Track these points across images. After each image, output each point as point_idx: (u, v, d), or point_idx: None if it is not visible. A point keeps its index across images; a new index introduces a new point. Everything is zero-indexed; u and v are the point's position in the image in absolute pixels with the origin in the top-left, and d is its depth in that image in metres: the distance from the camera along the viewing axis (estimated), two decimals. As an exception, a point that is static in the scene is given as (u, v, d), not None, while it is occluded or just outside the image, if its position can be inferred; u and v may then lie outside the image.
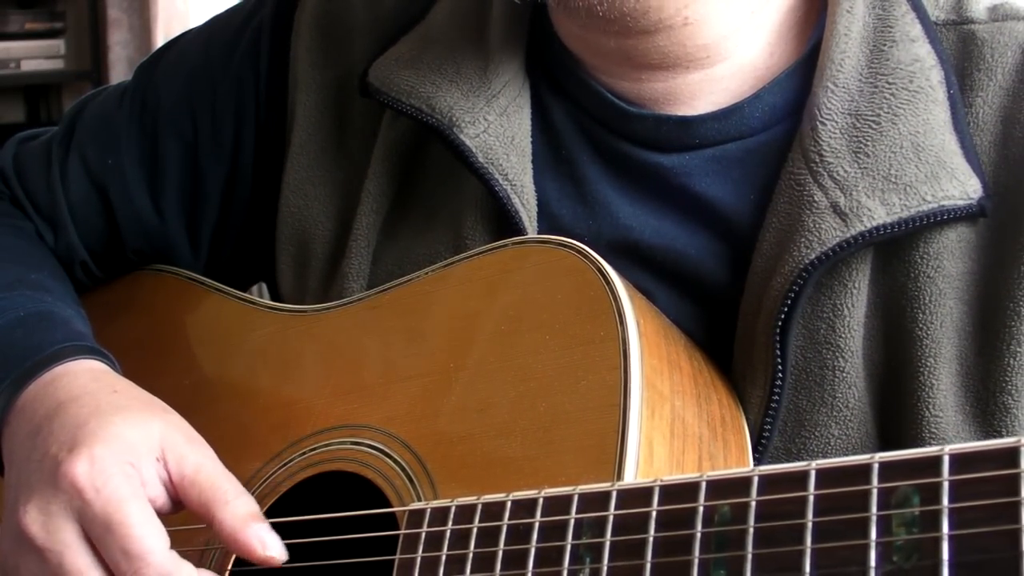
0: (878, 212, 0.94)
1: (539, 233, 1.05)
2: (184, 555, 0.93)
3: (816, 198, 0.95)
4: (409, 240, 1.12)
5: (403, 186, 1.14)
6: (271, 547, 0.93)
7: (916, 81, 0.97)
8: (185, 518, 0.97)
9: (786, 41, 1.03)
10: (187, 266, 1.27)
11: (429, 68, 1.09)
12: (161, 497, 0.96)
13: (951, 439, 0.95)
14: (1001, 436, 0.95)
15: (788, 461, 0.96)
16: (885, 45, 0.99)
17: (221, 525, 0.94)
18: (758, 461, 0.97)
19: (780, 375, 0.96)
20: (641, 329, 0.90)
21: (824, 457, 0.97)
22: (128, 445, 0.96)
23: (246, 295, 1.20)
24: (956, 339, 0.96)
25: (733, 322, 1.00)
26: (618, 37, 1.00)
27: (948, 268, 0.96)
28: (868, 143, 0.96)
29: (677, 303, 1.03)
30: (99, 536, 0.92)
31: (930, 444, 0.95)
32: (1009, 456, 0.66)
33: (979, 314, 0.96)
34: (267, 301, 1.19)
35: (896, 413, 0.98)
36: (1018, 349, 0.94)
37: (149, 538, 0.91)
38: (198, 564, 0.95)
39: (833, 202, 0.95)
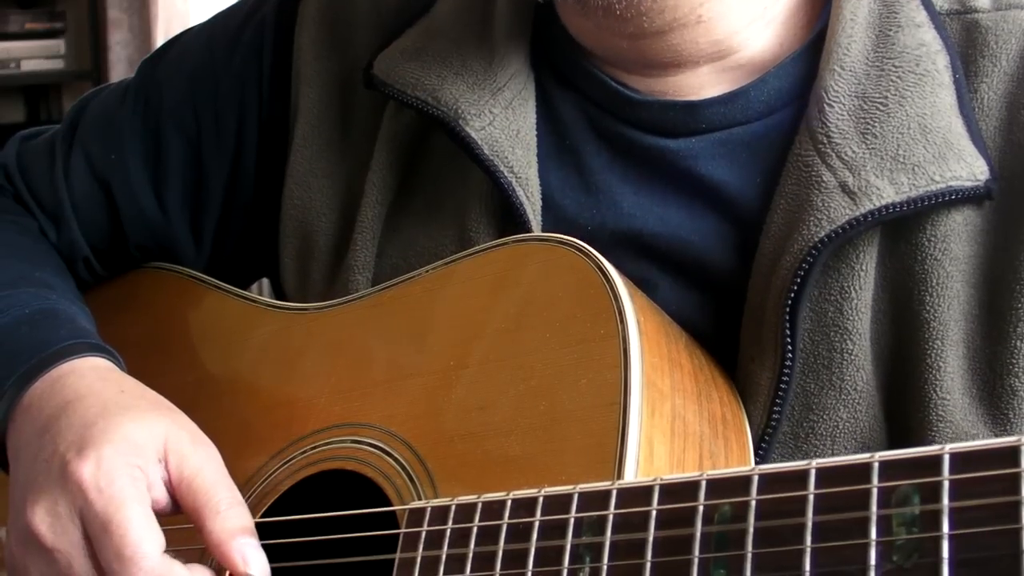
0: (887, 191, 0.94)
1: (544, 225, 1.05)
2: (184, 553, 0.93)
3: (824, 178, 0.96)
4: (414, 232, 1.12)
5: (407, 177, 1.14)
6: (252, 565, 0.92)
7: (922, 64, 0.98)
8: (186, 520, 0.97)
9: (791, 29, 1.04)
10: (190, 262, 1.27)
11: (434, 61, 1.09)
12: (164, 498, 0.96)
13: (958, 422, 0.95)
14: (1008, 418, 0.95)
15: (796, 445, 0.97)
16: (891, 30, 1.00)
17: (208, 535, 0.93)
18: (767, 446, 0.97)
19: (789, 358, 0.96)
20: (641, 327, 0.90)
21: (832, 440, 0.98)
22: (135, 446, 0.96)
23: (248, 293, 1.20)
24: (963, 322, 0.97)
25: (739, 309, 1.00)
26: (632, 39, 1.01)
27: (955, 251, 0.97)
28: (876, 124, 0.96)
29: (682, 292, 1.03)
30: (96, 536, 0.92)
31: (937, 426, 0.95)
32: (1010, 455, 0.66)
33: (986, 297, 0.97)
34: (269, 299, 1.19)
35: (903, 396, 0.98)
36: None
37: (144, 542, 0.91)
38: (198, 562, 0.95)
39: (842, 182, 0.95)
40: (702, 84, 1.03)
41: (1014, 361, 0.95)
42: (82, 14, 4.40)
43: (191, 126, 1.23)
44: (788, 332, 0.95)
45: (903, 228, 0.97)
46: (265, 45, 1.22)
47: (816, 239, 0.94)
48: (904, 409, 0.98)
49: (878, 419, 0.98)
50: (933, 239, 0.97)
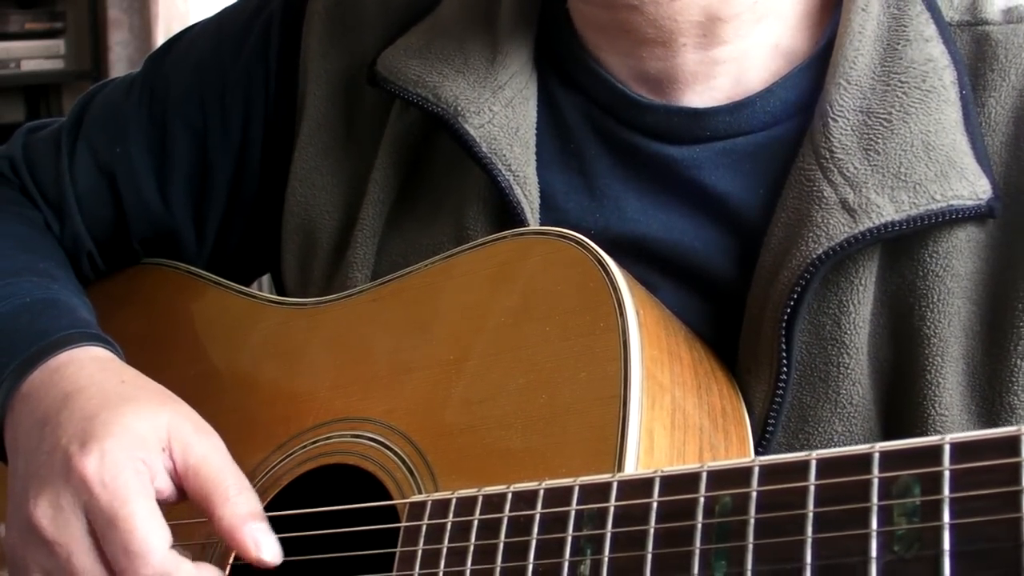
0: (886, 209, 0.94)
1: (544, 225, 1.05)
2: (185, 548, 0.93)
3: (825, 194, 0.96)
4: (414, 231, 1.13)
5: (409, 176, 1.14)
6: (265, 549, 0.93)
7: (929, 80, 0.97)
8: (189, 511, 0.97)
9: (794, 36, 1.04)
10: (193, 256, 1.27)
11: (437, 58, 1.10)
12: (167, 488, 0.96)
13: None
14: None
15: None
16: (899, 44, 0.99)
17: (219, 522, 0.94)
18: (761, 455, 0.97)
19: (785, 370, 0.96)
20: (641, 320, 0.90)
21: None
22: (139, 438, 0.96)
23: (248, 289, 1.20)
24: (963, 338, 0.96)
25: (739, 317, 1.00)
26: (608, 10, 1.01)
27: (957, 267, 0.96)
28: (879, 141, 0.96)
29: (683, 298, 1.03)
30: (102, 530, 0.92)
31: None
32: (1010, 444, 0.66)
33: (987, 314, 0.96)
34: (269, 295, 1.19)
35: (901, 411, 0.98)
36: None
37: (151, 537, 0.91)
38: (199, 558, 0.95)
39: (842, 198, 0.95)
40: (694, 75, 1.03)
41: (1014, 379, 0.95)
42: (82, 14, 4.40)
43: (197, 119, 1.23)
44: (784, 347, 0.95)
45: (905, 244, 0.97)
46: (272, 41, 1.22)
47: (814, 256, 0.94)
48: (901, 424, 0.98)
49: (874, 433, 0.98)
50: (935, 255, 0.96)
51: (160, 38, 4.01)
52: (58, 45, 4.39)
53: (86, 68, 4.37)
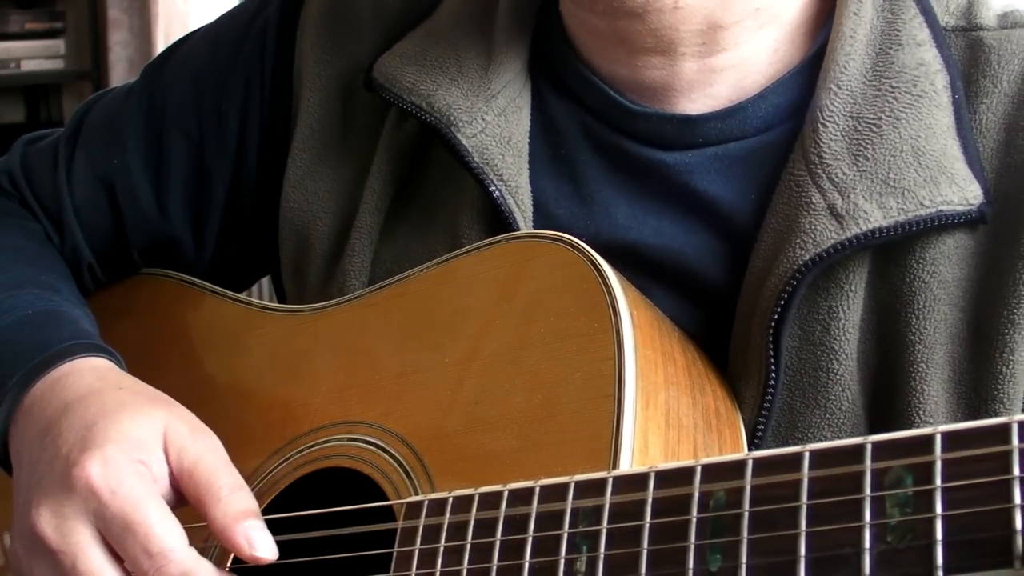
0: (874, 215, 0.93)
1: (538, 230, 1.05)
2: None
3: (814, 199, 0.95)
4: (408, 239, 1.13)
5: (405, 184, 1.14)
6: (258, 546, 0.93)
7: (920, 85, 0.97)
8: (186, 516, 0.97)
9: (792, 41, 1.03)
10: (192, 263, 1.27)
11: (432, 66, 1.09)
12: (167, 491, 0.97)
13: None
14: None
15: None
16: (891, 48, 0.99)
17: (212, 522, 0.94)
18: None
19: (773, 376, 0.96)
20: (635, 321, 0.91)
21: None
22: (138, 443, 0.96)
23: (244, 297, 1.21)
24: (949, 345, 0.96)
25: (730, 323, 1.00)
26: (606, 17, 1.00)
27: (944, 274, 0.96)
28: (868, 146, 0.95)
29: (674, 303, 1.02)
30: (118, 536, 0.93)
31: None
32: (1000, 434, 0.66)
33: (973, 321, 0.96)
34: (265, 302, 1.19)
35: (887, 417, 0.98)
36: (1011, 357, 0.94)
37: (169, 536, 0.92)
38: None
39: (830, 204, 0.95)
40: (691, 83, 1.02)
41: (999, 387, 0.95)
42: (82, 14, 4.40)
43: (194, 128, 1.23)
44: (772, 353, 0.95)
45: (894, 250, 0.97)
46: (267, 47, 1.22)
47: (800, 262, 0.94)
48: (888, 431, 0.97)
49: None
50: (922, 261, 0.96)
51: (160, 38, 4.02)
52: (58, 45, 4.40)
53: (86, 68, 4.37)
